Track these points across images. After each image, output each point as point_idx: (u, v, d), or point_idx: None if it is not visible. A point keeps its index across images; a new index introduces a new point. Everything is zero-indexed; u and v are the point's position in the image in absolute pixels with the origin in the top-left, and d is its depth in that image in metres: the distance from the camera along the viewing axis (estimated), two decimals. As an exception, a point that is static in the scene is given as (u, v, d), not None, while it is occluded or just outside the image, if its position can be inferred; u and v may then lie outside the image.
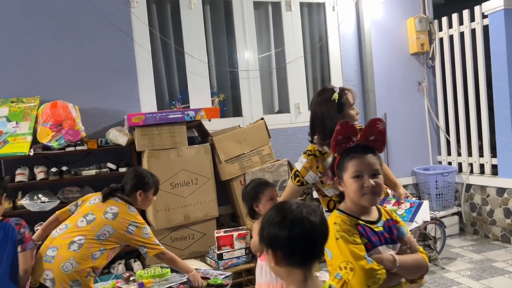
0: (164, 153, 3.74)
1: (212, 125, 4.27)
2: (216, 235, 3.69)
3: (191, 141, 4.17)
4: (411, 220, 2.10)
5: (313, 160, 2.37)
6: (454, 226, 5.11)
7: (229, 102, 4.75)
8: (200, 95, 4.45)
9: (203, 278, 2.92)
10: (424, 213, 2.14)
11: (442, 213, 4.86)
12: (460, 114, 5.08)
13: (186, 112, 3.80)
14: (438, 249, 4.30)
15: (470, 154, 5.04)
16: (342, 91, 2.36)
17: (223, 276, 3.05)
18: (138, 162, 3.85)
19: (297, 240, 1.17)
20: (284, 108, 4.96)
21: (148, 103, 4.25)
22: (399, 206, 2.19)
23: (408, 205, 2.17)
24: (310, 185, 2.48)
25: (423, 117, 5.41)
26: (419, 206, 2.16)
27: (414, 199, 2.29)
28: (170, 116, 3.76)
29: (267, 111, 4.86)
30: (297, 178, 2.43)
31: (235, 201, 4.05)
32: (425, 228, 4.23)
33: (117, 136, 3.81)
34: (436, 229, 4.29)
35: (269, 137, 4.20)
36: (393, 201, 2.26)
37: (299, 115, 4.87)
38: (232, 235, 3.69)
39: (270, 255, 1.21)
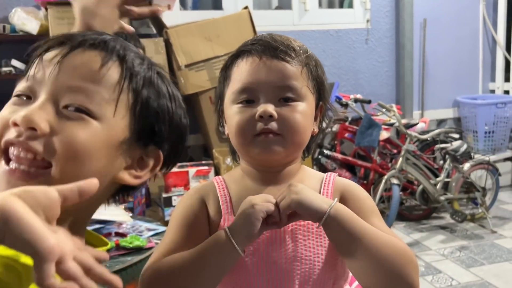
0: (92, 47, 2.52)
1: (177, 18, 3.03)
2: (165, 170, 2.54)
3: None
4: None
5: None
6: (506, 175, 3.86)
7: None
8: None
9: (120, 235, 1.79)
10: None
11: (491, 158, 3.61)
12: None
13: (123, -15, 2.51)
14: (487, 205, 3.09)
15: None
16: None
17: (151, 233, 1.91)
18: (57, 60, 2.65)
19: None
20: (284, 3, 3.62)
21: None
22: None
23: None
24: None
25: (475, 28, 4.07)
26: None
27: None
28: (98, -10, 2.48)
29: (260, 5, 3.61)
30: None
31: (205, 126, 2.93)
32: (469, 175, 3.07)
33: (23, 19, 2.59)
34: (487, 177, 3.07)
35: (255, 35, 2.93)
36: None
37: (305, 14, 3.52)
38: (188, 171, 2.55)
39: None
